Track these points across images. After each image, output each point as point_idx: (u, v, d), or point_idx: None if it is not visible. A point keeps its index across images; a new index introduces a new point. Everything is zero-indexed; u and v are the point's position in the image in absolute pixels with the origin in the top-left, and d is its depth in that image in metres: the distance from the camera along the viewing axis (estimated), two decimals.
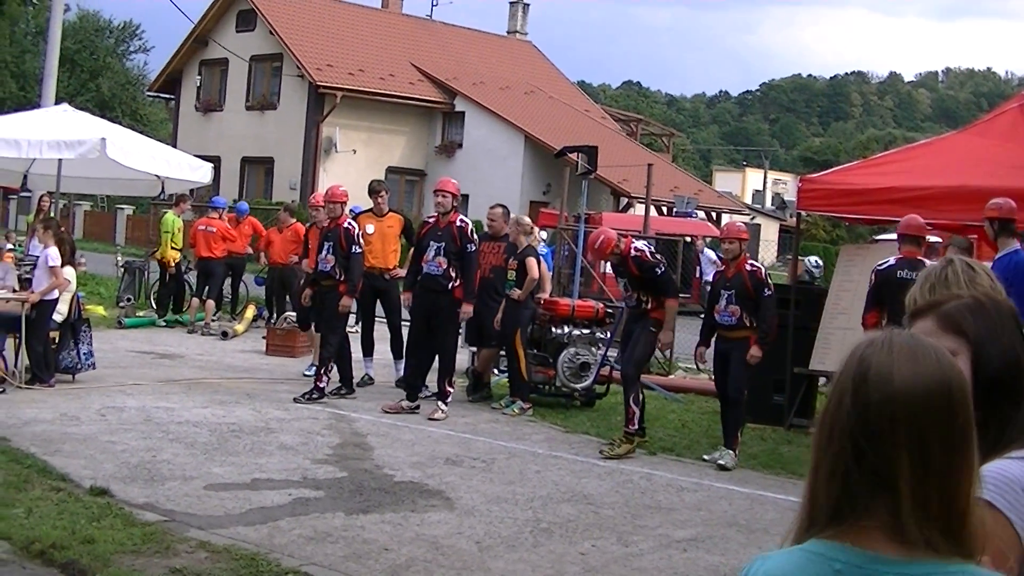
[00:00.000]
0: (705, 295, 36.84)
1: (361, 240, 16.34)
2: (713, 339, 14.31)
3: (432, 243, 15.52)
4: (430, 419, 15.11)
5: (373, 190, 18.16)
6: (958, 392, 2.36)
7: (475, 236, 15.70)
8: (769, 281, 14.14)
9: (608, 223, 34.00)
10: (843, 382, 2.39)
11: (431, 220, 15.96)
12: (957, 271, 3.96)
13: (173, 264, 24.04)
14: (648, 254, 14.04)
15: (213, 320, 23.70)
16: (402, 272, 17.49)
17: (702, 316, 15.25)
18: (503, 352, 17.25)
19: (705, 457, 13.86)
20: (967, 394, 2.39)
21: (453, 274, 15.38)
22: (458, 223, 15.54)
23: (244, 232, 24.79)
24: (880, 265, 13.43)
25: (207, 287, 23.55)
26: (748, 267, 14.00)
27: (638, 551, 9.79)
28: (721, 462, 13.59)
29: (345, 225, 16.19)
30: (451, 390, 15.57)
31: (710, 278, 37.53)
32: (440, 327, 15.53)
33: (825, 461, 2.37)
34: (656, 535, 10.34)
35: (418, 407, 15.53)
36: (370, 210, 18.29)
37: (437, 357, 15.75)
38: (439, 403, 15.42)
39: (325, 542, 9.35)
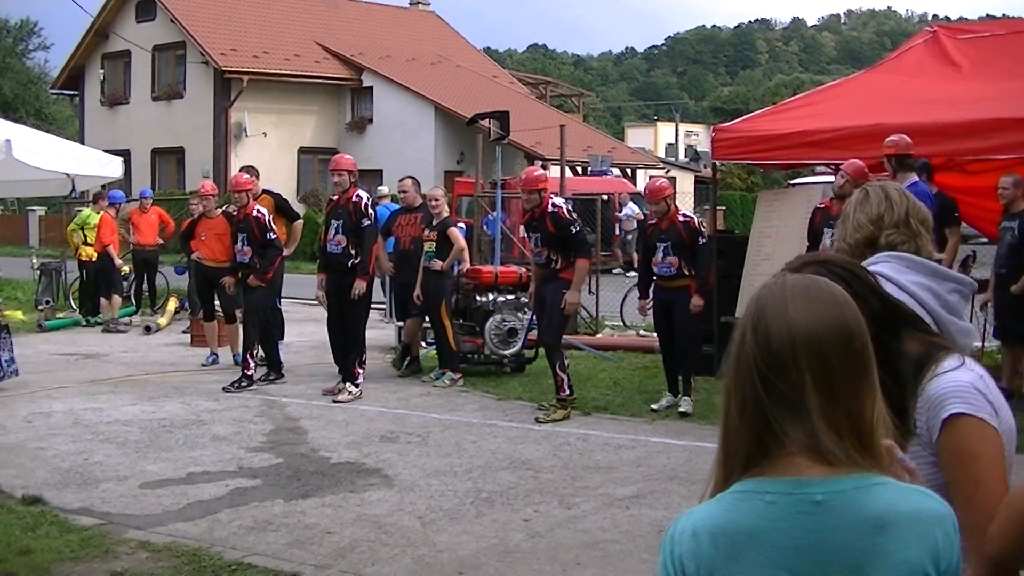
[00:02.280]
0: (628, 248, 37.18)
1: (274, 226, 16.18)
2: (651, 290, 14.48)
3: (332, 221, 15.52)
4: (335, 401, 15.01)
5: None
6: (851, 316, 2.50)
7: (370, 210, 15.59)
8: (703, 229, 14.36)
9: None
10: (744, 323, 2.51)
11: (334, 199, 15.89)
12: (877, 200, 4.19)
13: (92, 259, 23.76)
14: (565, 211, 14.07)
15: (134, 315, 23.55)
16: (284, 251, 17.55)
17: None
18: (427, 323, 17.21)
19: (653, 407, 13.98)
20: (861, 320, 2.51)
21: (354, 251, 15.32)
22: (354, 198, 15.46)
23: (151, 222, 24.47)
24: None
25: (109, 284, 23.24)
26: (682, 218, 14.26)
27: (581, 512, 9.79)
28: (682, 409, 13.95)
29: (255, 214, 16.03)
30: (360, 371, 15.41)
31: (629, 227, 37.73)
32: (346, 307, 15.47)
33: (736, 398, 2.47)
34: (598, 495, 10.34)
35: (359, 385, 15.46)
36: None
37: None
38: (346, 384, 15.32)
39: (267, 531, 9.28)
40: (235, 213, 16.49)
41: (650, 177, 53.21)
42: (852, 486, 2.39)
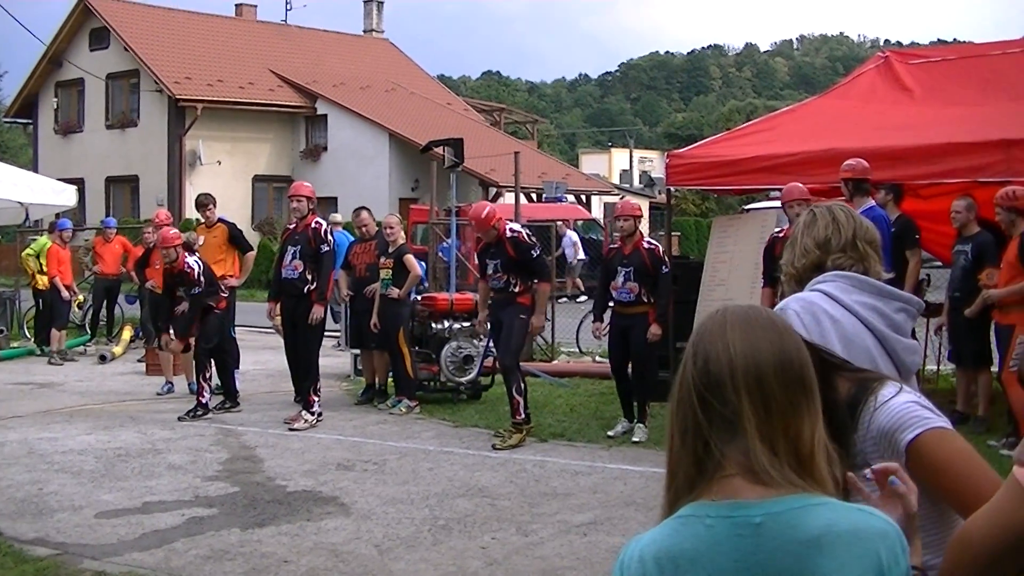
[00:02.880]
0: (572, 275, 37.15)
1: (203, 279, 15.99)
2: (607, 314, 14.51)
3: (289, 247, 15.51)
4: (291, 430, 14.97)
5: (200, 204, 18.20)
6: (790, 341, 2.57)
7: (329, 237, 15.59)
8: (666, 258, 14.43)
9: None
10: (686, 352, 2.59)
11: (291, 226, 15.87)
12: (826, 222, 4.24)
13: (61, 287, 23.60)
14: (524, 235, 14.12)
15: (89, 343, 23.43)
16: (233, 281, 17.77)
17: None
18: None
19: (609, 433, 13.94)
20: (801, 346, 2.58)
21: (310, 277, 15.32)
22: (313, 224, 15.47)
23: (114, 251, 24.35)
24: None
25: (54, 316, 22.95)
26: (646, 245, 14.25)
27: (538, 539, 9.78)
28: (635, 438, 13.90)
29: (186, 268, 15.87)
30: (315, 398, 15.40)
31: (571, 260, 37.81)
32: (301, 333, 15.45)
33: (678, 423, 2.54)
34: (555, 522, 10.33)
35: (320, 414, 15.39)
36: (203, 222, 18.26)
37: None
38: (302, 412, 15.28)
39: (223, 560, 9.23)
40: (167, 268, 16.28)
41: (604, 204, 53.45)
42: (789, 507, 2.42)
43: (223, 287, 16.69)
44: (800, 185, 13.24)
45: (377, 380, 17.21)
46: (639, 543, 2.55)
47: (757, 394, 2.46)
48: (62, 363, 22.11)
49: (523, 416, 13.96)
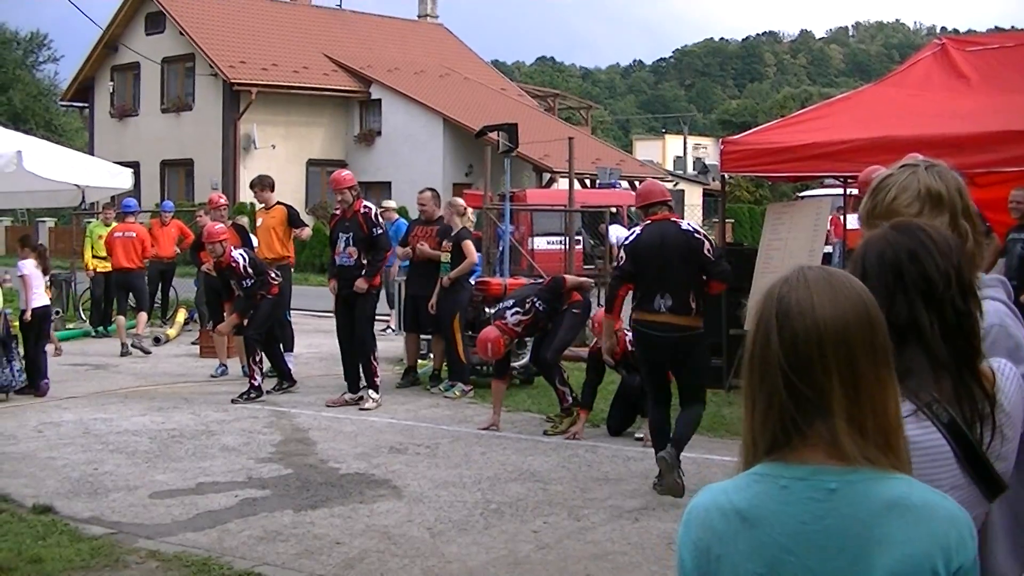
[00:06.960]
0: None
1: (250, 270, 16.08)
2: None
3: (341, 235, 15.57)
4: (361, 409, 15.11)
5: (252, 185, 18.44)
6: (874, 309, 2.51)
7: (380, 219, 15.74)
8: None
9: (533, 199, 34.10)
10: (766, 321, 2.50)
11: (337, 212, 15.93)
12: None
13: (93, 271, 23.77)
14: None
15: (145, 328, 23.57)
16: (293, 260, 18.24)
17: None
18: (426, 337, 17.32)
19: (638, 435, 13.72)
20: (880, 311, 2.53)
21: (366, 262, 15.39)
22: (362, 210, 15.53)
23: (170, 235, 24.47)
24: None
25: (131, 299, 22.78)
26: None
27: (590, 524, 9.79)
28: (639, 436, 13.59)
29: (232, 263, 16.03)
30: (378, 379, 15.50)
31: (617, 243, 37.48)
32: (356, 317, 15.50)
33: (760, 398, 2.48)
34: (607, 507, 10.35)
35: (361, 398, 15.46)
36: (261, 206, 18.46)
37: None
38: (368, 392, 15.36)
39: (276, 541, 9.28)
40: (214, 264, 16.35)
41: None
42: (867, 476, 2.42)
43: (275, 273, 16.69)
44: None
45: (433, 365, 17.26)
46: (709, 492, 2.57)
47: (847, 371, 2.43)
48: (160, 341, 22.32)
49: (571, 401, 13.94)
